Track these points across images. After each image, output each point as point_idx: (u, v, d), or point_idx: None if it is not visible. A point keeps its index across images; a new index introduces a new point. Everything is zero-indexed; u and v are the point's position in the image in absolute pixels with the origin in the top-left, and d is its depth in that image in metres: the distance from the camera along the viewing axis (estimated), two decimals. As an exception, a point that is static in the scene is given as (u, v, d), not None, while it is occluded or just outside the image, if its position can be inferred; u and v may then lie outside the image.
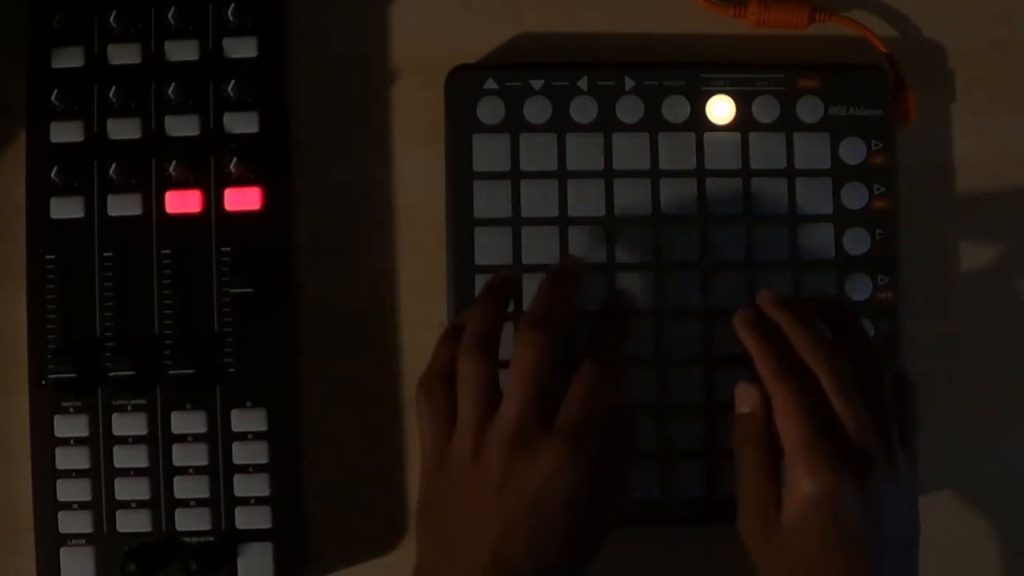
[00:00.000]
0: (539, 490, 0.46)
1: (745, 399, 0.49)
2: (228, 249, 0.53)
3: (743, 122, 0.54)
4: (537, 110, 0.54)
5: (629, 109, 0.54)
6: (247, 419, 0.52)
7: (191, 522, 0.52)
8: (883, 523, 0.47)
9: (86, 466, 0.52)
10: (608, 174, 0.54)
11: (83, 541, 0.52)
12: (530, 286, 0.52)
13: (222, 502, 0.52)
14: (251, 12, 0.53)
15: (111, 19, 0.53)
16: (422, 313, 0.55)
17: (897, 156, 0.55)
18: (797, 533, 0.47)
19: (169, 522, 0.52)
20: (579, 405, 0.47)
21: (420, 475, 0.49)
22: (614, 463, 0.49)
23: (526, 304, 0.52)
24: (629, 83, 0.54)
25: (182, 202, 0.53)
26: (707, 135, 0.54)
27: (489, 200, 0.54)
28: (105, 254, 0.53)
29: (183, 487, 0.52)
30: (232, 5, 0.53)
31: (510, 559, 0.46)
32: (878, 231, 0.54)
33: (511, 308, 0.52)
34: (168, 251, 0.53)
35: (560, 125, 0.54)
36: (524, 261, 0.53)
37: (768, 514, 0.47)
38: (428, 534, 0.48)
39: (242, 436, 0.52)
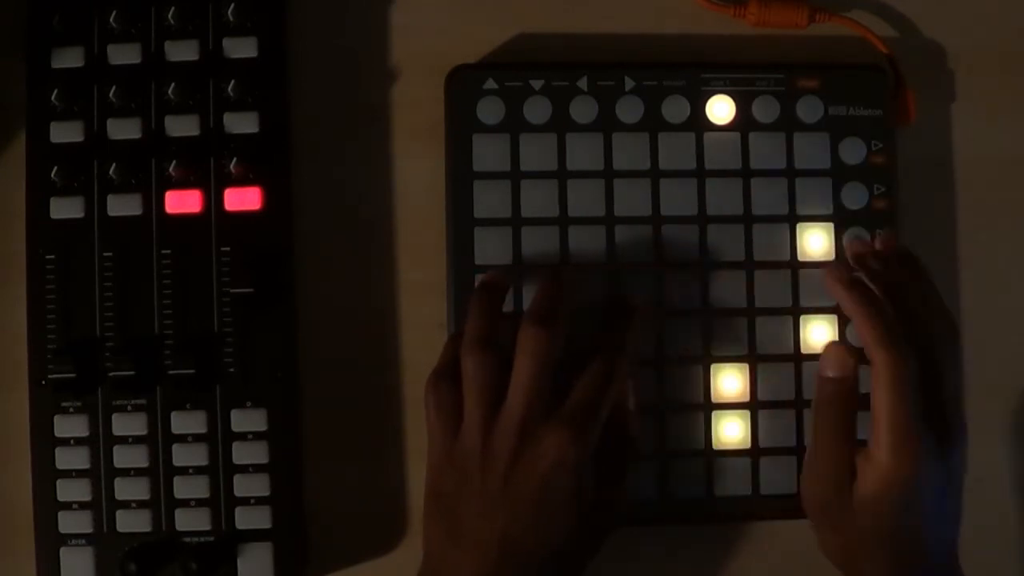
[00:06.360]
0: (545, 475, 0.47)
1: (839, 364, 0.48)
2: (228, 249, 0.53)
3: (743, 122, 0.54)
4: (537, 110, 0.54)
5: (629, 109, 0.54)
6: (247, 419, 0.52)
7: (191, 522, 0.52)
8: (945, 505, 0.48)
9: (86, 466, 0.52)
10: (608, 174, 0.54)
11: (83, 541, 0.52)
12: (528, 286, 0.53)
13: (222, 502, 0.52)
14: (251, 12, 0.53)
15: (111, 19, 0.53)
16: (422, 313, 0.55)
17: (897, 156, 0.55)
18: (872, 505, 0.47)
19: (169, 522, 0.52)
20: (586, 393, 0.48)
21: (427, 469, 0.49)
22: (616, 461, 0.50)
23: (520, 303, 0.53)
24: (629, 83, 0.54)
25: (182, 202, 0.53)
26: (707, 135, 0.54)
27: (489, 200, 0.54)
28: (105, 254, 0.53)
29: (183, 487, 0.52)
30: (232, 5, 0.53)
31: (517, 545, 0.47)
32: (878, 231, 0.54)
33: (510, 308, 0.52)
34: (168, 251, 0.53)
35: (560, 125, 0.54)
36: (524, 261, 0.53)
37: (842, 483, 0.48)
38: (438, 524, 0.49)
39: (242, 436, 0.52)
